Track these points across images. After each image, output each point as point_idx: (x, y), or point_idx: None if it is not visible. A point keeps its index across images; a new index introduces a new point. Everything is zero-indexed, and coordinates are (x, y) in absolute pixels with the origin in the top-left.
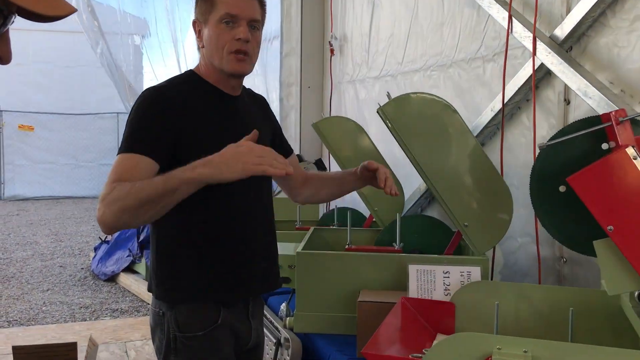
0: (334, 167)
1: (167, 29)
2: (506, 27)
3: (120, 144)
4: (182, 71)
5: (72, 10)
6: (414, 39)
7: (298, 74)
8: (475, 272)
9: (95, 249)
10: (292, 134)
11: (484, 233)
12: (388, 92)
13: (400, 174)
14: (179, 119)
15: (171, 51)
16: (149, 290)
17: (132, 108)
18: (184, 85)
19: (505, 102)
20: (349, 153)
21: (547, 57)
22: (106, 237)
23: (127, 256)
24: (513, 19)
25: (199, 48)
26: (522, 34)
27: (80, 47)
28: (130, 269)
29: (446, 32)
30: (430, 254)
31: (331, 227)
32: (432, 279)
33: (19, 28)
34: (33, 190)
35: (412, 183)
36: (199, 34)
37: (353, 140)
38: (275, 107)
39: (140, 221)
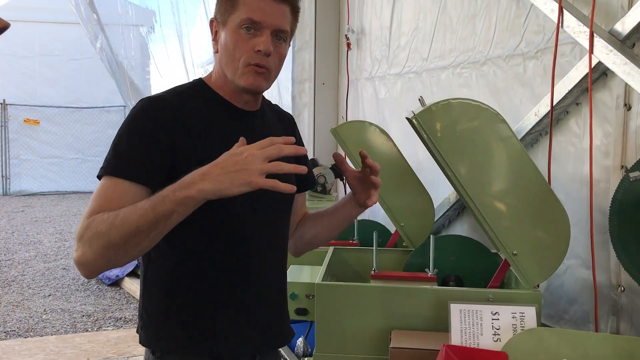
0: None
1: (171, 22)
2: (555, 20)
3: (103, 163)
4: (187, 67)
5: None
6: (442, 32)
7: (312, 69)
8: (530, 314)
9: None
10: (305, 134)
11: (536, 263)
12: (421, 97)
13: (425, 180)
14: (180, 138)
15: (175, 46)
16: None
17: (125, 120)
18: (188, 96)
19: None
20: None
21: (607, 55)
22: None
23: None
24: (564, 11)
25: (214, 52)
26: (575, 29)
27: (87, 39)
28: (135, 273)
29: (479, 25)
30: (471, 287)
31: (352, 243)
32: (479, 322)
33: (25, 20)
34: (39, 185)
35: (439, 192)
36: (215, 35)
37: (377, 147)
38: (286, 104)
39: (129, 257)
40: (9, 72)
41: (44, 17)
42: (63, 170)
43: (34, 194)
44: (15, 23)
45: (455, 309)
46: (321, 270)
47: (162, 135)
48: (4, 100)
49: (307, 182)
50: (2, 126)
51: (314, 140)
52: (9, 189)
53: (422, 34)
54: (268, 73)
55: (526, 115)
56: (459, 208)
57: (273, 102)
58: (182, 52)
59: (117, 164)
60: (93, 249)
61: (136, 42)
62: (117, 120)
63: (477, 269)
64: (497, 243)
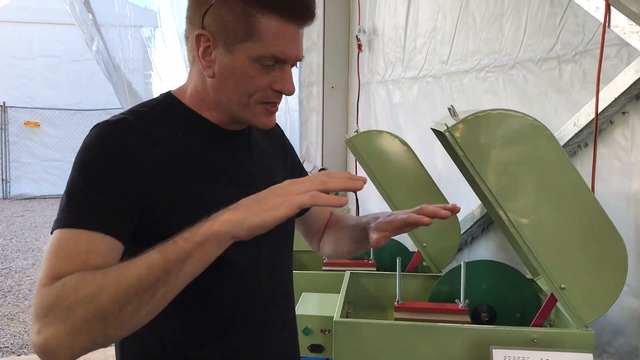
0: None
1: (172, 22)
2: (599, 18)
3: (58, 214)
4: (185, 62)
5: None
6: (464, 33)
7: (320, 72)
8: None
9: None
10: (312, 140)
11: (588, 298)
12: (452, 107)
13: (446, 193)
14: (152, 173)
15: (176, 47)
16: None
17: (78, 154)
18: (157, 117)
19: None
20: (391, 176)
21: None
22: None
23: None
24: (612, 8)
25: (193, 64)
26: (625, 29)
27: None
28: None
29: (507, 25)
30: (505, 318)
31: (368, 263)
32: None
33: (25, 21)
34: (40, 189)
35: (460, 205)
36: (204, 51)
37: (396, 159)
38: (293, 108)
39: (121, 331)
40: (9, 74)
41: (45, 17)
42: (64, 174)
43: (34, 198)
44: (15, 24)
45: (498, 356)
46: (338, 302)
47: (132, 169)
48: (3, 102)
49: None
50: (2, 129)
51: (322, 147)
52: (9, 192)
53: (440, 35)
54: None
55: (563, 125)
56: (484, 224)
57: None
58: (183, 54)
59: (76, 212)
60: (71, 324)
61: (135, 44)
62: None
63: (511, 297)
64: (543, 275)
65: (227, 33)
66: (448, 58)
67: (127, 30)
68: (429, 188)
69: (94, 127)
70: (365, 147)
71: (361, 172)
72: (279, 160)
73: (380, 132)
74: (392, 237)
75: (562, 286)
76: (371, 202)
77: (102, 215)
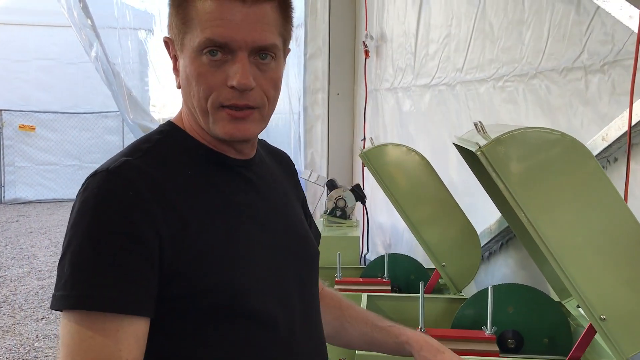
0: (377, 198)
1: None
2: (633, 28)
3: (62, 288)
4: None
5: None
6: (480, 40)
7: (325, 78)
8: None
9: None
10: (318, 149)
11: (630, 329)
12: (480, 122)
13: (462, 206)
14: (167, 222)
15: None
16: None
17: (77, 214)
18: (163, 155)
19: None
20: (407, 191)
21: None
22: None
23: None
24: None
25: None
26: None
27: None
28: None
29: (527, 33)
30: (533, 344)
31: (382, 281)
32: None
33: (20, 23)
34: (35, 193)
35: (477, 219)
36: (174, 60)
37: (414, 174)
38: (298, 116)
39: None
40: (4, 77)
41: (40, 19)
42: (59, 178)
43: (29, 202)
44: (9, 26)
45: None
46: None
47: (144, 228)
48: None
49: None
50: None
51: (328, 156)
52: (4, 197)
53: (455, 42)
54: (257, 112)
55: (590, 139)
56: (502, 239)
57: (282, 115)
58: None
59: (93, 289)
60: None
61: (134, 49)
62: (115, 126)
63: (538, 322)
64: (582, 305)
65: (175, 33)
66: (463, 66)
67: (127, 34)
68: (447, 204)
69: (92, 176)
70: (380, 160)
71: (371, 183)
72: (293, 191)
73: (396, 145)
74: (406, 254)
75: (602, 317)
76: (380, 214)
77: (127, 291)
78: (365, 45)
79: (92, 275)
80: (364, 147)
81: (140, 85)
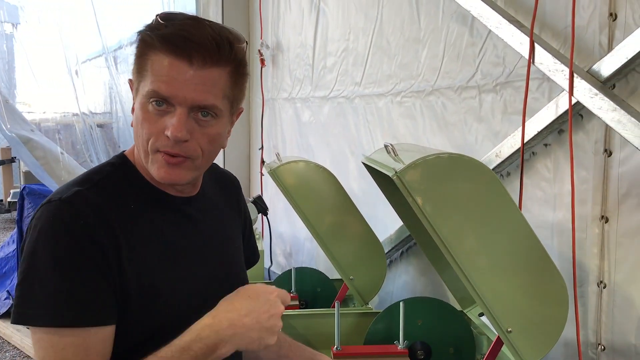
0: (277, 208)
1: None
2: (524, 54)
3: (29, 304)
4: (73, 71)
5: None
6: (378, 56)
7: None
8: None
9: None
10: None
11: (533, 339)
12: (391, 145)
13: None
14: (115, 257)
15: (55, 40)
16: None
17: (32, 236)
18: (112, 188)
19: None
20: (315, 205)
21: (591, 99)
22: None
23: (5, 299)
24: (537, 45)
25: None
26: (550, 66)
27: None
28: (8, 314)
29: (423, 52)
30: (440, 354)
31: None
32: None
33: None
34: None
35: (377, 229)
36: (134, 101)
37: (322, 190)
38: None
39: None
40: None
41: None
42: None
43: None
44: None
45: None
46: None
47: (96, 254)
48: None
49: (254, 257)
50: None
51: (224, 164)
52: None
53: (353, 56)
54: (190, 161)
55: (485, 155)
56: (403, 247)
57: None
58: (64, 49)
59: (59, 306)
60: None
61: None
62: None
63: (444, 333)
64: (490, 319)
65: (135, 78)
66: (361, 80)
67: None
68: (354, 218)
69: (47, 204)
70: (290, 177)
71: (270, 193)
72: (233, 220)
73: (306, 162)
74: (311, 267)
75: (508, 329)
76: (280, 224)
77: (90, 306)
78: (261, 54)
79: (57, 293)
80: (262, 157)
81: (10, 85)
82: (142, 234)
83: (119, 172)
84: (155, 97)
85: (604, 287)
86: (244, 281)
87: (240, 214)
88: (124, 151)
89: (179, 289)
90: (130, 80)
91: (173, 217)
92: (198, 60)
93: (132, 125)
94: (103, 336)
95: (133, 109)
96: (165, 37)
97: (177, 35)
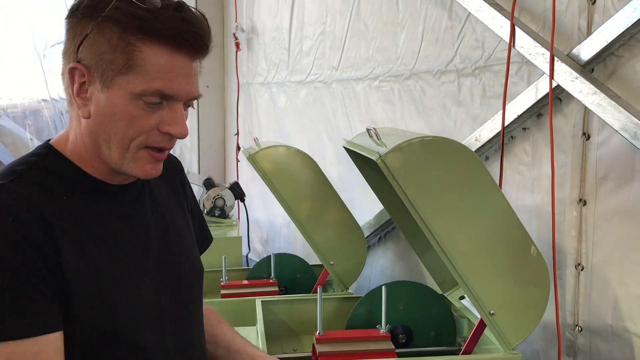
0: (253, 194)
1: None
2: (505, 37)
3: None
4: (41, 55)
5: None
6: (356, 39)
7: None
8: None
9: None
10: (187, 142)
11: (515, 321)
12: (374, 129)
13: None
14: (48, 250)
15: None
16: None
17: None
18: (38, 179)
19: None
20: (296, 193)
21: (571, 83)
22: None
23: None
24: (517, 29)
25: (71, 106)
26: (531, 50)
27: None
28: None
29: (402, 35)
30: (421, 338)
31: (269, 282)
32: None
33: None
34: None
35: (354, 214)
36: (80, 88)
37: (301, 175)
38: None
39: None
40: None
41: None
42: None
43: None
44: None
45: None
46: (259, 339)
47: (30, 251)
48: None
49: (206, 241)
50: None
51: (198, 152)
52: None
53: (330, 40)
54: (167, 152)
55: (464, 139)
56: (381, 232)
57: None
58: (31, 29)
59: (8, 321)
60: None
61: None
62: None
63: (426, 316)
64: (473, 301)
65: (103, 66)
66: (339, 64)
67: None
68: (334, 203)
69: None
70: (268, 162)
71: (245, 179)
72: (178, 204)
73: (286, 147)
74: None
75: (491, 312)
76: (256, 210)
77: (33, 316)
78: (236, 38)
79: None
80: (238, 142)
81: None
82: (81, 227)
83: (46, 162)
84: (158, 96)
85: (582, 270)
86: (197, 268)
87: (187, 198)
88: (49, 140)
89: (126, 284)
90: (77, 68)
91: (111, 207)
92: (198, 54)
93: (85, 117)
94: (54, 342)
95: (82, 98)
96: (169, 30)
97: (184, 29)
